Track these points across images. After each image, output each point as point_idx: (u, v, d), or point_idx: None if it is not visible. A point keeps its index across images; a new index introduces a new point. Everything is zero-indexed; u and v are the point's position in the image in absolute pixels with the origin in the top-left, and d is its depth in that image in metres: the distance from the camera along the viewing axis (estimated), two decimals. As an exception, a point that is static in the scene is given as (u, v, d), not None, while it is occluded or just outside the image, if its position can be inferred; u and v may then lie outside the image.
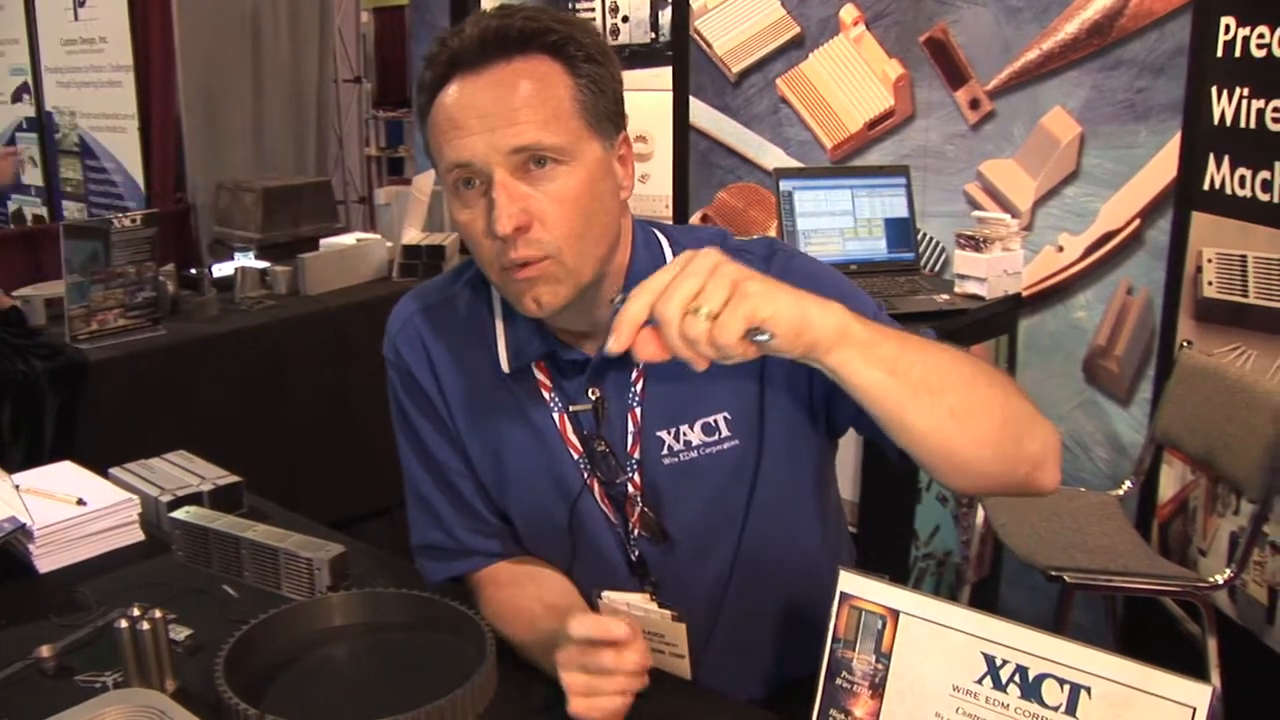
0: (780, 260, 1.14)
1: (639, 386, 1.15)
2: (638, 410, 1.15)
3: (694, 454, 1.15)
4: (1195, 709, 0.78)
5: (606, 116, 1.06)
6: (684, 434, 1.14)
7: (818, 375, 1.02)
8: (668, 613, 1.13)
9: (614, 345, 0.85)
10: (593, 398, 1.15)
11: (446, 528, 1.24)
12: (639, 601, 1.15)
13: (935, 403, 0.92)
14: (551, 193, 1.02)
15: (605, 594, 1.17)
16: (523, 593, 1.20)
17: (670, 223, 3.59)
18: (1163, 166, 2.54)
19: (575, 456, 1.17)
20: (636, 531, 1.18)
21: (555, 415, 1.17)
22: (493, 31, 1.02)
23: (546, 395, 1.17)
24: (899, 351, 0.90)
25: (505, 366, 1.17)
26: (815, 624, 1.00)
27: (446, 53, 1.03)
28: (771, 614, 1.25)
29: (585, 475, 1.17)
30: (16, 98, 5.41)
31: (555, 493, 1.19)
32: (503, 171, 1.01)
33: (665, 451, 1.15)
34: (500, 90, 1.01)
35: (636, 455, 1.15)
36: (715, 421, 1.15)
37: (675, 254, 1.15)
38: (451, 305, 1.22)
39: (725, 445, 1.15)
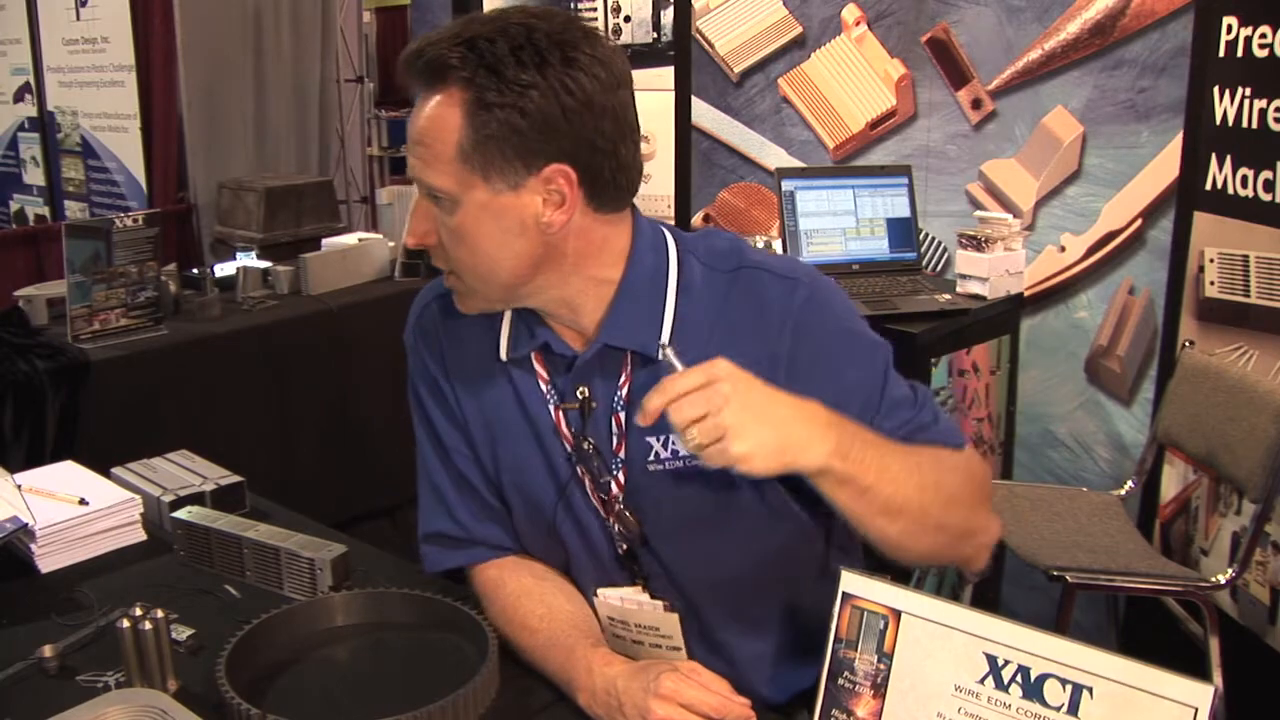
0: (808, 311, 1.11)
1: (624, 391, 1.15)
2: (622, 414, 1.15)
3: (680, 463, 1.14)
4: (1197, 709, 0.78)
5: (515, 155, 1.03)
6: (672, 442, 1.14)
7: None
8: (659, 603, 1.13)
9: (641, 420, 0.98)
10: (580, 396, 1.16)
11: (454, 514, 1.25)
12: (632, 594, 1.16)
13: (889, 522, 1.04)
14: (445, 224, 1.09)
15: (601, 591, 1.17)
16: (529, 597, 1.20)
17: (671, 222, 3.61)
18: (1165, 166, 2.54)
19: (568, 449, 1.18)
20: (617, 528, 1.19)
21: (550, 407, 1.18)
22: (424, 60, 1.04)
23: (544, 387, 1.18)
24: (874, 483, 1.01)
25: (504, 354, 1.19)
26: (815, 630, 1.00)
27: (403, 69, 1.07)
28: (767, 621, 1.24)
29: (575, 468, 1.18)
30: (18, 97, 5.41)
31: (546, 482, 1.20)
32: (421, 193, 1.09)
33: (651, 458, 1.15)
34: (416, 123, 1.06)
35: (621, 455, 1.16)
36: None
37: (682, 260, 1.15)
38: None
39: None
